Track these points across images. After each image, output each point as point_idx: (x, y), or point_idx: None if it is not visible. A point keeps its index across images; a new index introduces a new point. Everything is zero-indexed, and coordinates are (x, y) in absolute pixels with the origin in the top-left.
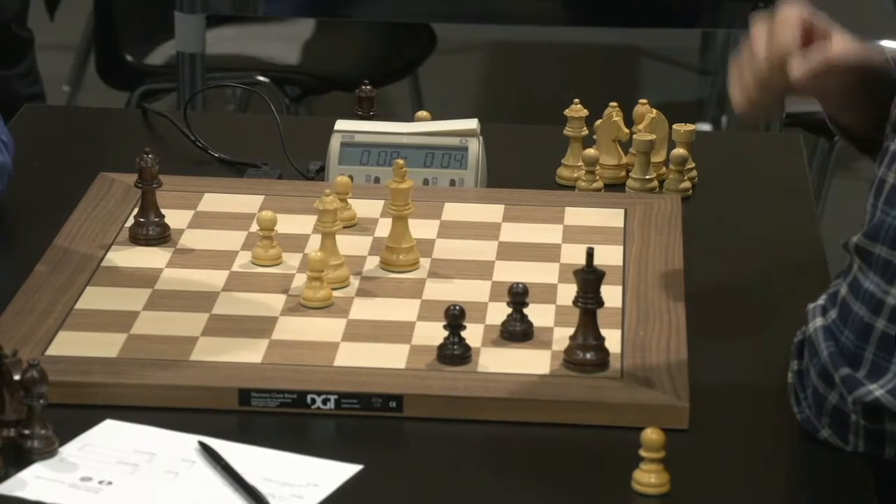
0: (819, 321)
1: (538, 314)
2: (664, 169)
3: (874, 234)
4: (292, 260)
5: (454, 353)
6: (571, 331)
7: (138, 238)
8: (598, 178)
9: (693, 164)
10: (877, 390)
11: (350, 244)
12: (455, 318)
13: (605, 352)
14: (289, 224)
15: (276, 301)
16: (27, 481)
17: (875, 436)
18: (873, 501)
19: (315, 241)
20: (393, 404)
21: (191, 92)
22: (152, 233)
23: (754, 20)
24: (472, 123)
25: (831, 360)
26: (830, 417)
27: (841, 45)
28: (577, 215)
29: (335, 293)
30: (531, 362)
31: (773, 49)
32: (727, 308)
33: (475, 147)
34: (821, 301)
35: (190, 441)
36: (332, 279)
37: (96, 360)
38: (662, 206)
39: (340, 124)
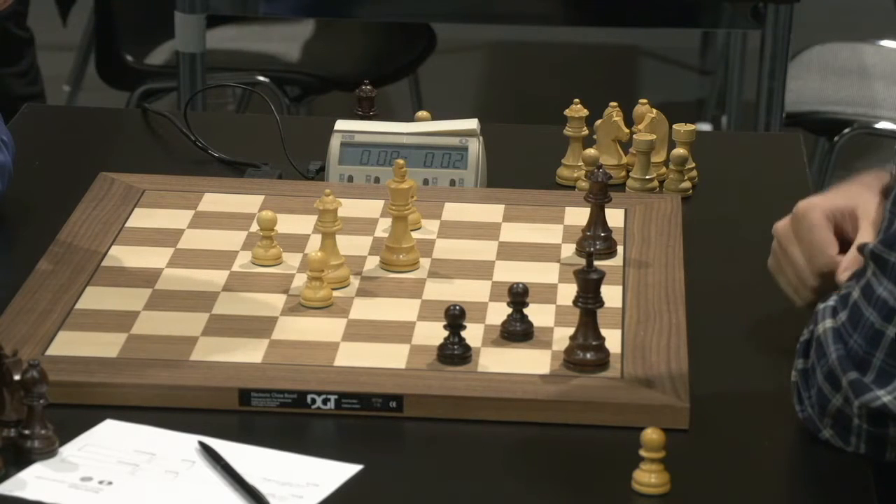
0: (829, 322)
1: (538, 314)
2: (664, 169)
3: (891, 241)
4: (292, 260)
5: (454, 353)
6: (571, 331)
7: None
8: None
9: (693, 164)
10: (884, 396)
11: (350, 244)
12: (455, 318)
13: (605, 352)
14: (289, 224)
15: (276, 301)
16: (27, 481)
17: (877, 440)
18: (873, 501)
19: (315, 241)
20: (393, 404)
21: (191, 92)
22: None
23: (780, 231)
24: (472, 123)
25: (839, 364)
26: (833, 419)
27: (870, 233)
28: (577, 215)
29: (335, 293)
30: (531, 362)
31: (817, 266)
32: (727, 308)
33: (475, 147)
34: (831, 302)
35: (190, 441)
36: (332, 279)
37: (96, 360)
38: (662, 206)
39: (340, 124)
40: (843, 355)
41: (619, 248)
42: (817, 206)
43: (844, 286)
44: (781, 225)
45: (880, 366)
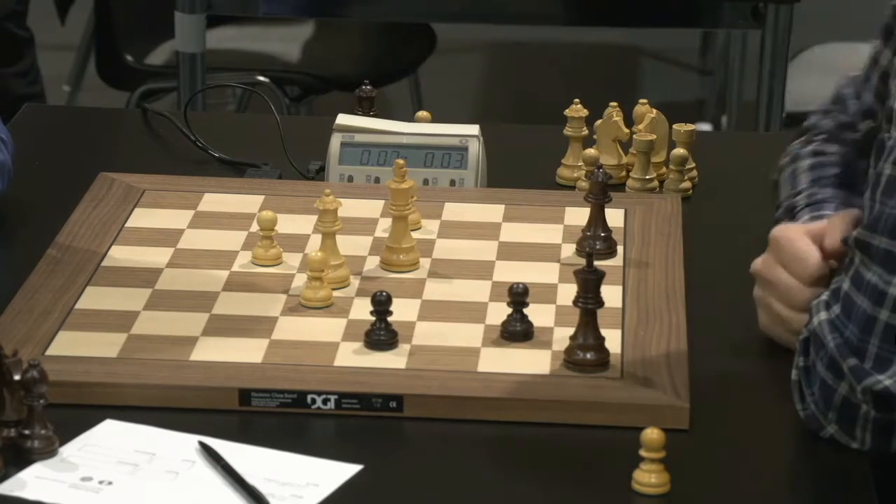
0: (823, 315)
1: (538, 314)
2: (664, 169)
3: (873, 225)
4: (292, 260)
5: (380, 338)
6: (571, 331)
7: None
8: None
9: (693, 164)
10: (886, 380)
11: (350, 244)
12: (382, 303)
13: (605, 352)
14: (289, 224)
15: (276, 301)
16: (27, 481)
17: (883, 427)
18: (873, 501)
19: (315, 241)
20: (393, 404)
21: (191, 92)
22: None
23: (759, 266)
24: (473, 129)
25: (838, 351)
26: (838, 411)
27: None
28: (577, 215)
29: (335, 293)
30: (531, 362)
31: (808, 274)
32: (727, 308)
33: (475, 147)
34: (823, 297)
35: (190, 441)
36: (332, 279)
37: (96, 360)
38: (662, 206)
39: (342, 118)
40: (841, 343)
41: (619, 248)
42: (791, 227)
43: (834, 281)
44: (759, 261)
45: (876, 352)
